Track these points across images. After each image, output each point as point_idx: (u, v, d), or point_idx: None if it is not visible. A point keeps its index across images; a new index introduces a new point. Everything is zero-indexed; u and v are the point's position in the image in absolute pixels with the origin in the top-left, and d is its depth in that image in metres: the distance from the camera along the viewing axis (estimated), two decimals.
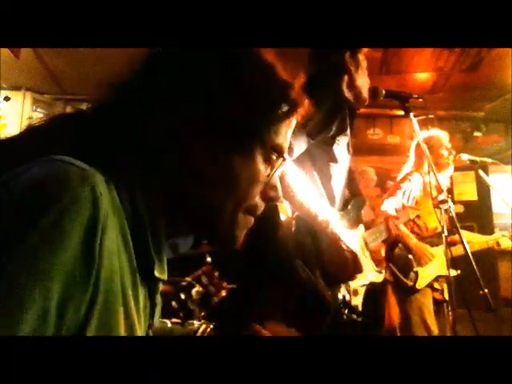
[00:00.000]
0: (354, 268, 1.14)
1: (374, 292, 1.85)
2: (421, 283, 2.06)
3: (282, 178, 1.08)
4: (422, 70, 3.12)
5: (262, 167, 0.47)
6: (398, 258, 2.12)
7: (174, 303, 2.12)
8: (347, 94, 1.35)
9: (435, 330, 2.03)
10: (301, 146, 1.14)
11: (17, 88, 3.15)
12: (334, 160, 1.25)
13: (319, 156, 1.22)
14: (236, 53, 0.46)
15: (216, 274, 2.34)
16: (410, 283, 2.06)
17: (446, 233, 1.44)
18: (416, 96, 1.46)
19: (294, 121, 0.49)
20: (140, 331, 0.40)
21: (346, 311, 1.15)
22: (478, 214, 2.32)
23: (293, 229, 1.14)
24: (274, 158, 0.48)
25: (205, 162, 0.44)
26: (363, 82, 1.39)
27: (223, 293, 2.28)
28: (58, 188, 0.32)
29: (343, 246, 1.13)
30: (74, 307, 0.31)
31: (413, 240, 2.08)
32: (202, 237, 0.52)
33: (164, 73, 0.43)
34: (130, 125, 0.42)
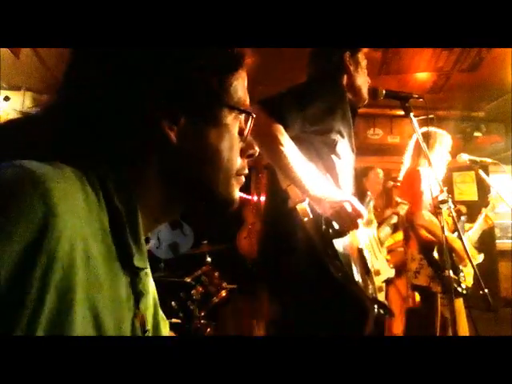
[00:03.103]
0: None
1: None
2: (468, 283, 2.00)
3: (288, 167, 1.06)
4: (422, 70, 3.12)
5: (234, 130, 0.49)
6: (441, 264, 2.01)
7: (173, 303, 2.12)
8: (347, 93, 1.35)
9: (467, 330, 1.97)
10: (295, 124, 1.12)
11: (17, 88, 3.15)
12: (339, 157, 1.25)
13: (325, 155, 1.22)
14: None
15: (216, 274, 2.34)
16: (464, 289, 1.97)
17: (446, 233, 1.44)
18: (416, 96, 1.45)
19: (244, 73, 0.50)
20: (116, 322, 0.39)
21: (376, 308, 1.15)
22: (478, 214, 2.31)
23: (323, 227, 1.11)
24: (242, 116, 0.50)
25: (181, 143, 0.45)
26: (363, 81, 1.38)
27: (223, 293, 2.28)
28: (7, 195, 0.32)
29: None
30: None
31: (457, 242, 2.00)
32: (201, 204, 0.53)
33: (109, 60, 0.43)
34: (89, 119, 0.42)
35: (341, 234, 1.11)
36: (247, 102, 0.51)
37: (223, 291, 2.31)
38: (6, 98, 3.03)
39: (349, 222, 1.08)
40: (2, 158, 0.35)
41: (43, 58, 2.60)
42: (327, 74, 1.33)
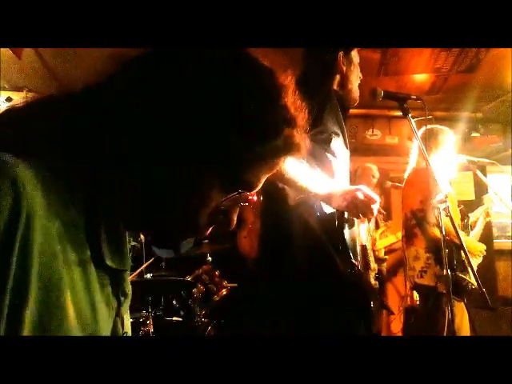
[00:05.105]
0: None
1: None
2: (473, 282, 1.95)
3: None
4: (421, 71, 3.13)
5: (215, 195, 0.45)
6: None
7: (175, 302, 2.12)
8: (338, 92, 1.36)
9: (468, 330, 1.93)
10: None
11: (18, 89, 3.13)
12: (334, 155, 1.26)
13: (319, 154, 1.23)
14: (236, 66, 0.42)
15: (217, 272, 2.34)
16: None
17: (444, 232, 1.44)
18: (414, 97, 1.46)
19: (280, 162, 0.46)
20: (100, 321, 0.39)
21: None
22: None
23: (336, 222, 1.13)
24: (235, 192, 0.46)
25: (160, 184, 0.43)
26: (355, 79, 1.39)
27: (224, 291, 2.28)
28: None
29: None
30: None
31: (467, 240, 1.93)
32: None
33: (156, 78, 0.40)
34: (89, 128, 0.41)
35: (353, 223, 1.13)
36: (255, 186, 0.49)
37: (224, 290, 2.31)
38: (9, 99, 3.02)
39: (364, 209, 1.09)
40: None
41: (45, 59, 2.59)
42: (319, 73, 1.33)
